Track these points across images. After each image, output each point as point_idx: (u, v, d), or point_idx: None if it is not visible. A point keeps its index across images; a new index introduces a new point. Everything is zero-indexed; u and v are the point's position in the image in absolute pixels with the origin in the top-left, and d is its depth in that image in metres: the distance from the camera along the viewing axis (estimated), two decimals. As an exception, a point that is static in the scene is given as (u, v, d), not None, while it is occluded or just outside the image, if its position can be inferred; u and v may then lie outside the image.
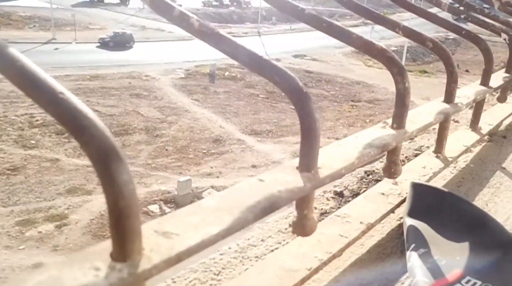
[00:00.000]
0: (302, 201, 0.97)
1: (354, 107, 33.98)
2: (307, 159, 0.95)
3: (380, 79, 38.40)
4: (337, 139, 28.51)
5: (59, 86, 0.54)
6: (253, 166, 22.41)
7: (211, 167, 21.97)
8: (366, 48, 1.19)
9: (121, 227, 0.63)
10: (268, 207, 0.82)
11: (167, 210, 18.09)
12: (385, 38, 54.55)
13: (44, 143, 21.96)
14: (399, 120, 1.26)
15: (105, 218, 17.25)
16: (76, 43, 42.61)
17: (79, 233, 16.50)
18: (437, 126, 1.72)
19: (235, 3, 76.36)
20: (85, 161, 20.37)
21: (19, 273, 14.23)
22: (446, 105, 1.62)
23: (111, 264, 0.62)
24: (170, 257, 0.66)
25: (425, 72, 46.92)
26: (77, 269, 0.60)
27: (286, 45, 47.17)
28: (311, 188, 0.94)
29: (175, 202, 18.81)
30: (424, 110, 1.56)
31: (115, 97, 29.14)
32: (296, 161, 0.96)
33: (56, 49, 40.61)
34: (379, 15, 1.53)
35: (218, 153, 23.54)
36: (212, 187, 20.05)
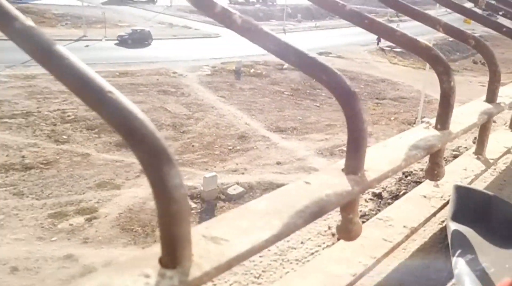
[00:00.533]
0: (348, 205, 0.92)
1: (379, 105, 33.61)
2: (353, 161, 0.90)
3: (405, 77, 37.96)
4: (361, 136, 28.07)
5: (108, 85, 0.52)
6: (278, 163, 22.33)
7: (237, 164, 21.98)
8: (411, 46, 1.13)
9: (172, 233, 0.59)
10: (317, 212, 0.78)
11: (193, 205, 18.18)
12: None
13: (75, 138, 22.29)
14: (443, 121, 1.20)
15: (133, 212, 17.45)
16: (106, 40, 43.13)
17: (108, 226, 16.70)
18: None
19: (261, 1, 76.33)
20: (114, 156, 20.63)
21: (51, 264, 14.49)
22: (489, 105, 1.55)
23: (161, 271, 0.59)
24: (221, 264, 0.63)
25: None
26: (127, 276, 0.57)
27: (311, 42, 46.76)
28: (358, 192, 0.89)
29: (201, 197, 18.91)
30: (466, 110, 1.49)
31: (143, 93, 29.39)
32: (342, 163, 0.91)
33: (87, 46, 41.16)
34: (419, 11, 1.48)
35: (243, 149, 23.53)
36: (237, 183, 20.06)
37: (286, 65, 40.42)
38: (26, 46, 0.51)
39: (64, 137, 22.35)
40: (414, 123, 29.53)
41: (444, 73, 1.19)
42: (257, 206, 0.76)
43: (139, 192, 18.38)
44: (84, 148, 21.42)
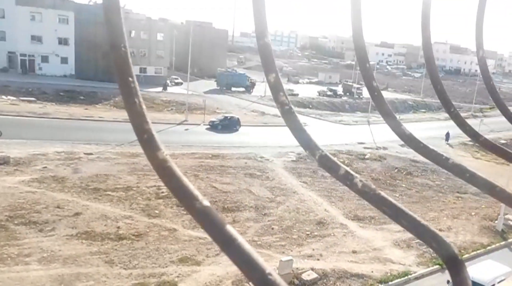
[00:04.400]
0: None
1: (460, 198, 31.49)
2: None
3: (488, 171, 35.48)
4: (440, 230, 26.27)
5: (268, 268, 0.55)
6: (354, 252, 21.16)
7: (313, 249, 21.08)
8: (510, 201, 1.05)
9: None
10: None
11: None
12: (494, 131, 51.21)
13: (165, 214, 22.69)
14: None
15: (210, 289, 17.00)
16: (204, 124, 45.07)
17: (185, 301, 16.34)
18: None
19: (347, 93, 77.32)
20: (199, 233, 20.60)
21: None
22: None
23: None
24: None
25: (538, 167, 42.87)
26: None
27: (394, 134, 45.77)
28: None
29: (276, 280, 18.09)
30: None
31: (231, 175, 29.80)
32: None
33: (187, 129, 43.21)
34: None
35: (320, 235, 22.64)
36: (312, 269, 19.10)
37: (368, 155, 39.66)
38: (206, 227, 0.54)
39: (156, 211, 22.85)
40: (496, 220, 27.17)
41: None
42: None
43: (217, 270, 18.00)
44: (172, 223, 21.67)
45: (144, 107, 0.57)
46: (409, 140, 0.96)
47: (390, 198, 0.74)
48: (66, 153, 30.04)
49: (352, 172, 0.76)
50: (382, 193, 0.74)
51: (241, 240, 0.53)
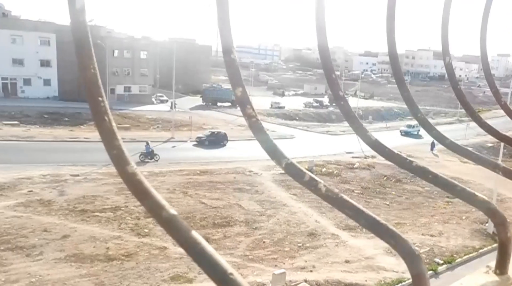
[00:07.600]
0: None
1: (449, 203, 31.72)
2: None
3: (476, 175, 35.91)
4: (431, 236, 26.47)
5: (229, 268, 0.57)
6: (346, 261, 21.19)
7: (305, 261, 21.07)
8: (470, 199, 1.13)
9: None
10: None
11: (262, 302, 17.33)
12: (480, 134, 51.82)
13: (155, 232, 22.51)
14: (502, 267, 1.19)
15: (203, 306, 16.84)
16: (191, 141, 45.02)
17: (179, 320, 16.17)
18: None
19: (334, 104, 77.84)
20: (189, 250, 20.49)
21: None
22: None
23: None
24: None
25: (524, 169, 43.49)
26: None
27: (382, 142, 46.15)
28: None
29: (272, 294, 18.05)
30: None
31: (220, 190, 29.75)
32: None
33: (174, 146, 43.12)
34: (477, 155, 1.34)
35: (312, 247, 22.66)
36: (305, 281, 19.07)
37: (356, 164, 39.88)
38: (173, 234, 0.58)
39: (146, 230, 22.68)
40: (487, 223, 27.38)
41: (501, 224, 1.13)
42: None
43: (210, 286, 17.87)
44: (162, 242, 21.51)
45: (114, 124, 0.61)
46: (375, 146, 1.00)
47: (351, 200, 0.80)
48: (51, 176, 29.75)
49: (316, 178, 0.80)
50: (344, 196, 0.79)
51: (205, 243, 0.57)
